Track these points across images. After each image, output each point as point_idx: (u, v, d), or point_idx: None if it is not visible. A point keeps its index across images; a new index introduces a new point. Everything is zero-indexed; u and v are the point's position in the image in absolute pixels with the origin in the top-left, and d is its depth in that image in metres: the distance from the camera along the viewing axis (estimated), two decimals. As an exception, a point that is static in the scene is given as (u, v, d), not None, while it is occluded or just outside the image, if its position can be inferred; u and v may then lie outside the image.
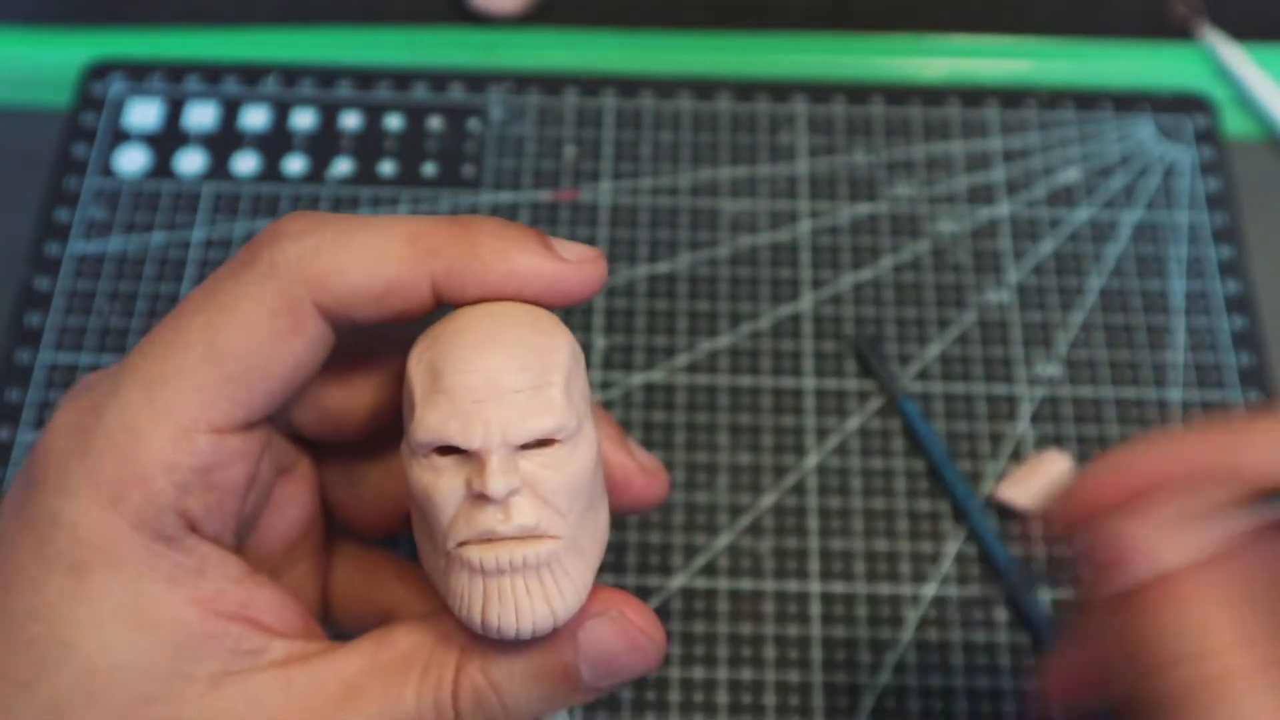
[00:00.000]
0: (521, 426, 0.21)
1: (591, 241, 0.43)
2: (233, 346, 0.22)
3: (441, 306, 0.24)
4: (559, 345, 0.23)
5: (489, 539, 0.22)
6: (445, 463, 0.22)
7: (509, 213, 0.44)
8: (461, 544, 0.22)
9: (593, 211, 0.44)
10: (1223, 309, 0.42)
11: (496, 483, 0.21)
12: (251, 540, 0.26)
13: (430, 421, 0.22)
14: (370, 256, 0.23)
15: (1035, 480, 0.38)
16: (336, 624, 0.30)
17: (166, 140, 0.45)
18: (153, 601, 0.22)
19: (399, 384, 0.26)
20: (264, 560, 0.27)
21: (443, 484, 0.22)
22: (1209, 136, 0.46)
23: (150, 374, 0.23)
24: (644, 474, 0.28)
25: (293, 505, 0.27)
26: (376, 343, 0.26)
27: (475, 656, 0.23)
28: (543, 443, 0.22)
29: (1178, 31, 0.49)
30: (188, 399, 0.22)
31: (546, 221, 0.44)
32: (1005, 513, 0.38)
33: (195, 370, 0.22)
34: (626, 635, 0.24)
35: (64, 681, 0.21)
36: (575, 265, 0.24)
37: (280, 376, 0.23)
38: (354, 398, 0.26)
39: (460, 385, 0.22)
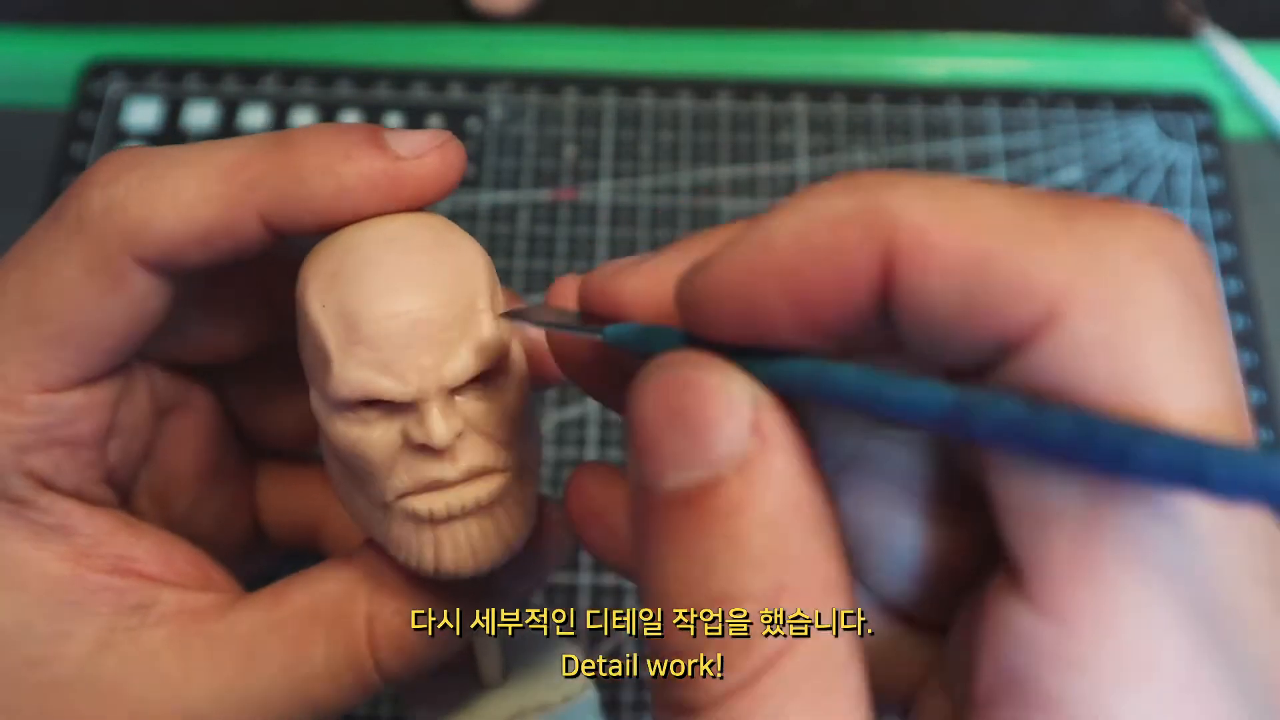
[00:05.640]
0: (458, 367, 0.20)
1: (591, 242, 0.43)
2: (49, 308, 0.21)
3: (286, 238, 0.22)
4: (474, 259, 0.21)
5: (435, 488, 0.20)
6: (374, 414, 0.20)
7: (509, 212, 0.44)
8: (402, 495, 0.20)
9: (592, 211, 0.44)
10: (1223, 308, 0.42)
11: (441, 431, 0.19)
12: (149, 480, 0.25)
13: (354, 377, 0.19)
14: (182, 201, 0.21)
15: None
16: (274, 543, 0.29)
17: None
18: (16, 561, 0.21)
19: (276, 302, 0.24)
20: (175, 496, 0.26)
21: (374, 437, 0.20)
22: (1209, 136, 0.46)
23: None
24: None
25: (192, 438, 0.26)
26: (236, 267, 0.23)
27: (388, 600, 0.22)
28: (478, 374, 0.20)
29: (1178, 31, 0.49)
30: (9, 361, 0.21)
31: (546, 221, 0.44)
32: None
33: (13, 332, 0.21)
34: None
35: None
36: (413, 163, 0.21)
37: (112, 333, 0.22)
38: (225, 324, 0.25)
39: (383, 332, 0.19)
